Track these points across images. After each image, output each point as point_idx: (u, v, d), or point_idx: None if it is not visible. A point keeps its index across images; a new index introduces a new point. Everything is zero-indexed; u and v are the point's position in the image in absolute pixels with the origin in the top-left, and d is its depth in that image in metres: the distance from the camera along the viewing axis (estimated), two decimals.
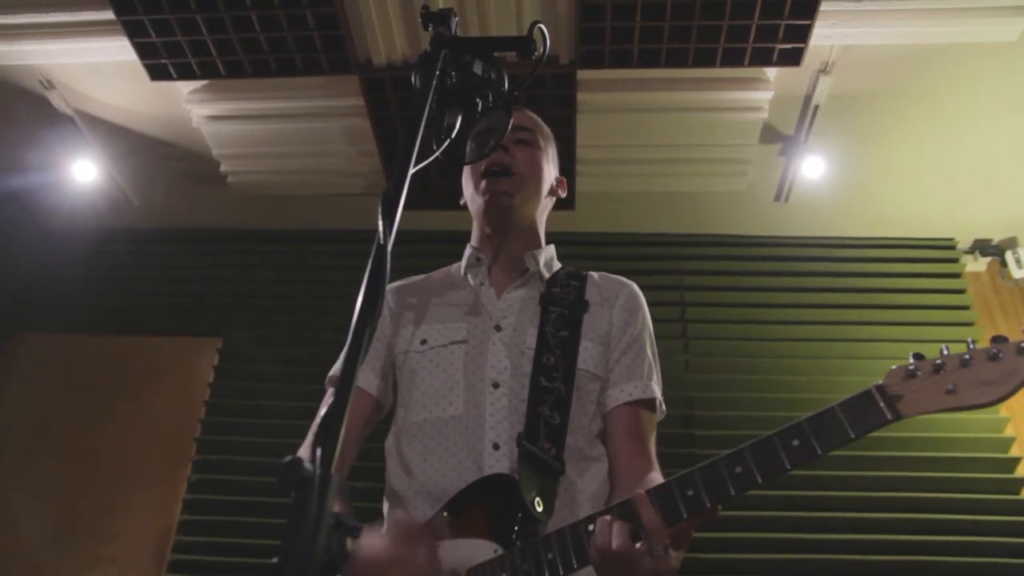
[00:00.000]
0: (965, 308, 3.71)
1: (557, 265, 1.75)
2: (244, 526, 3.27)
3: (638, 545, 1.12)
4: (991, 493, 3.20)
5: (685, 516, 1.14)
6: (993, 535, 3.08)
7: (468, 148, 1.57)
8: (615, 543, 1.12)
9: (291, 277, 3.99)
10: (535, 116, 1.81)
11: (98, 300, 3.97)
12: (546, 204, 1.79)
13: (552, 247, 1.77)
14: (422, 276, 1.77)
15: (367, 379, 1.59)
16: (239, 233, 4.13)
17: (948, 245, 3.88)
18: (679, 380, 3.48)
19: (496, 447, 1.42)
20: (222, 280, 4.01)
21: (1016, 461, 3.27)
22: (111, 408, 3.63)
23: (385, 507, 1.54)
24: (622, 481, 1.47)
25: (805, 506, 3.17)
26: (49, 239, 4.14)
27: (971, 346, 1.07)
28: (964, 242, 3.90)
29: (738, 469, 1.12)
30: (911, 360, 1.10)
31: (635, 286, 1.70)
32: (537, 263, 1.68)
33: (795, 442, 1.11)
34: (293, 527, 0.63)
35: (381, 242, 0.87)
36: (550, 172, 1.78)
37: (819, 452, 1.10)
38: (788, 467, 1.10)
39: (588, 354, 1.54)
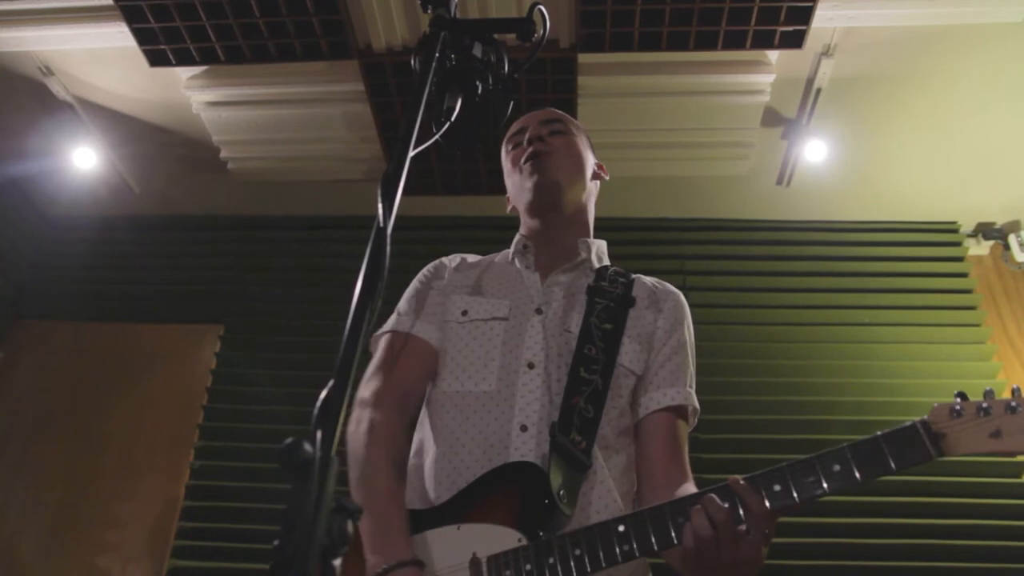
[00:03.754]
0: (968, 292, 3.70)
1: (607, 260, 1.75)
2: (247, 511, 3.29)
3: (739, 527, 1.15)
4: (993, 477, 3.21)
5: None
6: (995, 518, 3.11)
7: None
8: (719, 516, 1.14)
9: (292, 263, 3.99)
10: (557, 111, 1.84)
11: (99, 287, 3.98)
12: (592, 189, 1.79)
13: (604, 242, 1.77)
14: (476, 256, 1.78)
15: (428, 331, 1.58)
16: (240, 220, 4.12)
17: (951, 228, 3.87)
18: None
19: (524, 429, 1.42)
20: (223, 267, 4.01)
21: None
22: (113, 395, 3.64)
23: (410, 465, 1.52)
24: (656, 488, 1.46)
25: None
26: (50, 226, 4.14)
27: (1016, 392, 1.09)
28: (967, 225, 3.89)
29: (776, 488, 1.16)
30: (956, 399, 1.12)
31: (683, 296, 1.70)
32: (590, 250, 1.68)
33: (836, 467, 1.14)
34: (294, 510, 0.63)
35: (381, 225, 0.86)
36: (589, 156, 1.79)
37: (858, 479, 1.13)
38: (827, 490, 1.14)
39: (628, 350, 1.54)
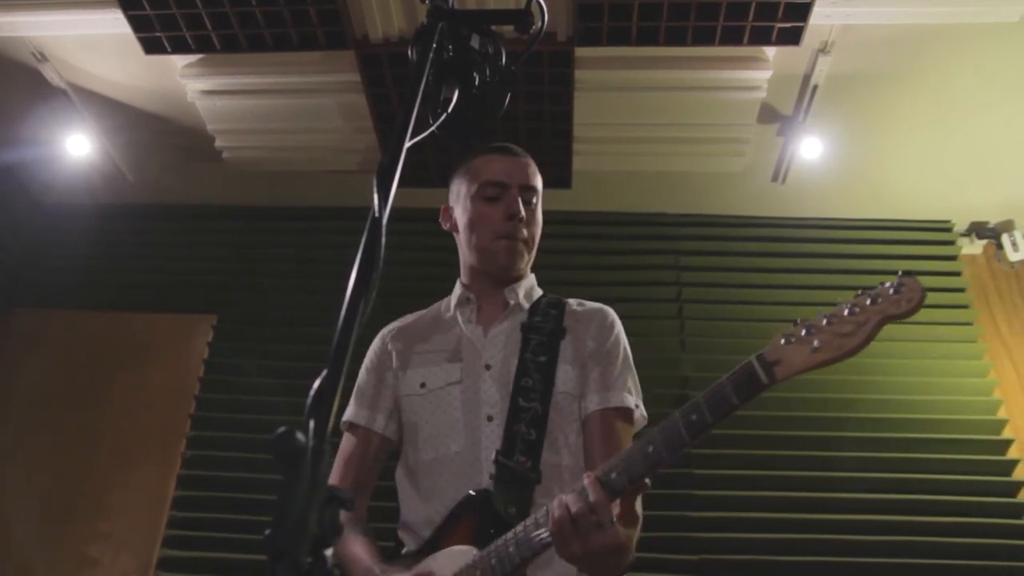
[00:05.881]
0: (960, 291, 3.71)
1: (538, 292, 1.84)
2: (238, 501, 3.28)
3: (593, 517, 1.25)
4: (984, 475, 3.23)
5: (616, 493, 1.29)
6: (985, 516, 3.12)
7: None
8: (573, 508, 1.25)
9: (285, 254, 3.97)
10: (532, 163, 1.85)
11: (92, 276, 3.96)
12: None
13: (532, 276, 1.86)
14: (415, 315, 1.88)
15: (376, 420, 1.73)
16: (234, 209, 4.10)
17: (945, 227, 3.88)
18: (675, 361, 3.49)
19: (492, 477, 1.55)
20: (217, 256, 4.00)
21: (1009, 443, 3.31)
22: (106, 384, 3.63)
23: (399, 535, 1.67)
24: None
25: (805, 487, 3.20)
26: (43, 214, 4.12)
27: (839, 304, 1.16)
28: (961, 224, 3.90)
29: (650, 449, 1.25)
30: (793, 326, 1.19)
31: (610, 310, 1.81)
32: (516, 296, 1.77)
33: (693, 416, 1.22)
34: (286, 500, 0.63)
35: (376, 215, 0.86)
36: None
37: (710, 421, 1.20)
38: (688, 439, 1.22)
39: (566, 376, 1.66)
